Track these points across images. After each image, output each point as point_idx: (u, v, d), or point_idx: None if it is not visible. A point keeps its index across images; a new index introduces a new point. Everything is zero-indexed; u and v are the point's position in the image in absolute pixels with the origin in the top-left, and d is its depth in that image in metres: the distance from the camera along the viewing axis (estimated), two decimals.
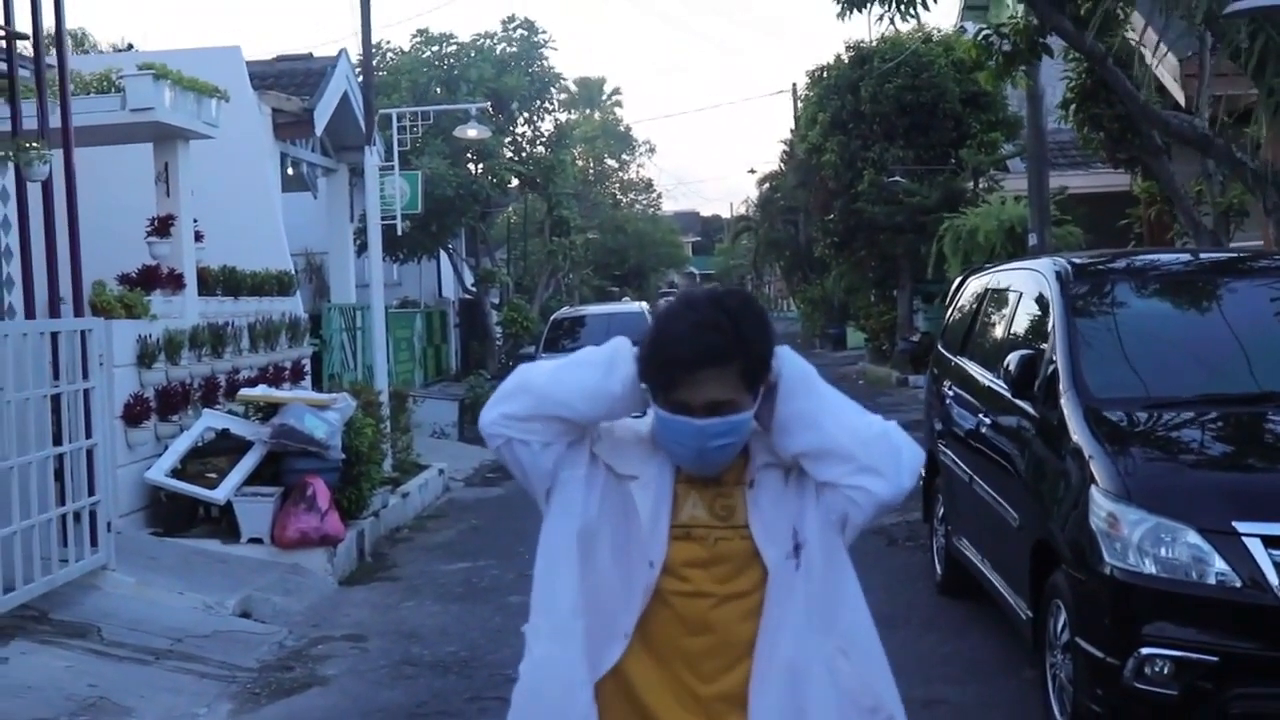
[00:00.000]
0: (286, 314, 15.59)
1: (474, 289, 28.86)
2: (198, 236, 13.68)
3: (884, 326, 34.06)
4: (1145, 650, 5.62)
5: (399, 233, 20.23)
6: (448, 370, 27.97)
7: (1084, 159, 22.28)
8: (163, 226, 12.92)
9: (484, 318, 28.99)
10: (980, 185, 28.34)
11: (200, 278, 13.66)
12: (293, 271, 17.19)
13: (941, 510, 9.75)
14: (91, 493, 9.59)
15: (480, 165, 26.57)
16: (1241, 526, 5.62)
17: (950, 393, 9.63)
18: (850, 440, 2.98)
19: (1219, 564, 5.59)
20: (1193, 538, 5.67)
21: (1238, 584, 5.55)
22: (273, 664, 8.76)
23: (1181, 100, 14.48)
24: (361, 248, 21.52)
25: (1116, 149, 15.57)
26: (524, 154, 29.22)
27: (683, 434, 2.94)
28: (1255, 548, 5.56)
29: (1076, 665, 6.04)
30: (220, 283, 14.29)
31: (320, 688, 8.20)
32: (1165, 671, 5.59)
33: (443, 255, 28.50)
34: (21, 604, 8.59)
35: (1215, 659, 5.52)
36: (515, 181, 27.79)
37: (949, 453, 9.35)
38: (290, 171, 19.50)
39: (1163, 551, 5.73)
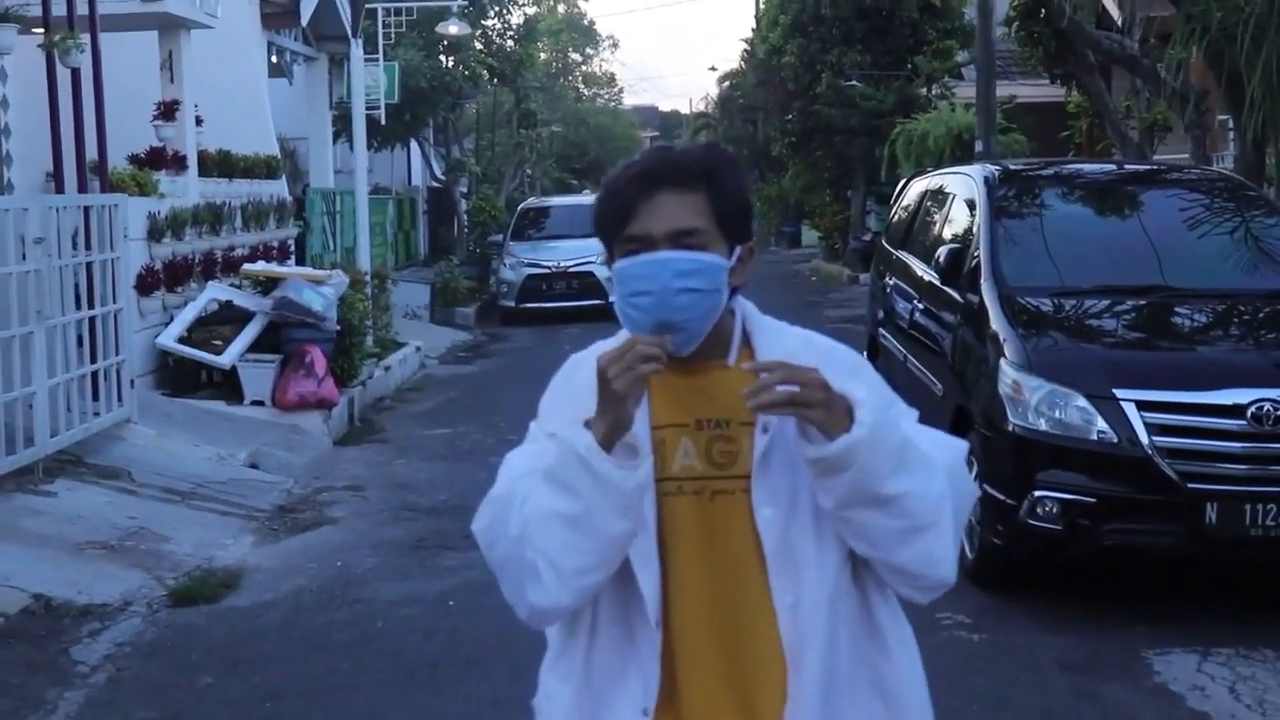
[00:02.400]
0: (274, 196, 16.55)
1: (443, 178, 29.72)
2: (198, 121, 14.56)
3: (838, 226, 35.10)
4: (1037, 493, 6.83)
5: (382, 122, 21.08)
6: (417, 256, 28.90)
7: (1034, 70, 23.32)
8: (168, 111, 13.79)
9: (453, 206, 29.89)
10: (933, 92, 29.34)
11: (199, 160, 14.57)
12: (279, 156, 18.13)
13: None
14: (116, 353, 10.64)
15: (452, 58, 27.37)
16: (1120, 393, 6.81)
17: (890, 283, 10.78)
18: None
19: (1100, 424, 6.79)
20: (1081, 402, 6.87)
21: (1115, 440, 6.75)
22: (285, 506, 9.89)
23: (1120, 21, 15.54)
24: (337, 135, 22.41)
25: (1053, 65, 16.60)
26: (493, 47, 29.99)
27: (640, 275, 2.40)
28: (1130, 411, 6.75)
29: (984, 508, 7.23)
30: (217, 165, 15.21)
31: (330, 526, 9.33)
32: (1053, 510, 6.80)
33: (413, 145, 29.29)
34: (60, 449, 9.64)
35: (1093, 500, 6.75)
36: (485, 74, 28.58)
37: (888, 336, 10.52)
38: (274, 60, 20.33)
39: (1056, 413, 6.92)
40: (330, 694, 6.07)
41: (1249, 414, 6.59)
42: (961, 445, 2.65)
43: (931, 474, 2.41)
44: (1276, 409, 6.57)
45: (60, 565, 7.89)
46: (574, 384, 2.55)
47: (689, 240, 2.41)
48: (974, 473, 7.46)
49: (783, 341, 2.54)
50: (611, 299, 2.71)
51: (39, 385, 9.22)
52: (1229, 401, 6.66)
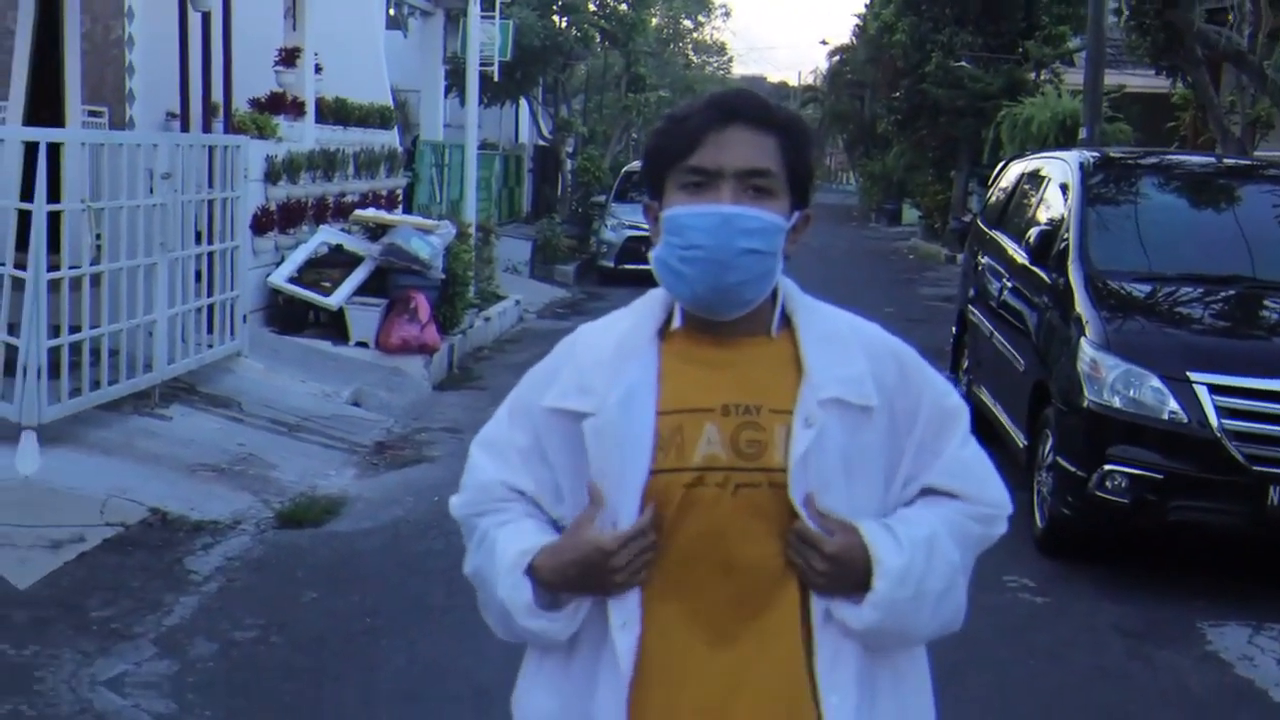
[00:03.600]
0: (385, 146, 17.00)
1: (550, 137, 30.13)
2: (317, 69, 15.01)
3: (938, 205, 35.14)
4: (1108, 467, 7.10)
5: (495, 79, 21.49)
6: (521, 212, 29.35)
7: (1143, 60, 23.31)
8: (289, 57, 14.23)
9: (558, 165, 30.31)
10: (1042, 76, 29.32)
11: (317, 106, 15.03)
12: (393, 106, 18.61)
13: (966, 363, 11.19)
14: (231, 288, 11.12)
15: (566, 19, 27.75)
16: (1194, 375, 7.08)
17: (983, 262, 11.02)
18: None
19: (1173, 404, 7.05)
20: (1155, 382, 7.13)
21: (1185, 420, 7.02)
22: (385, 443, 10.33)
23: (1230, 16, 15.59)
24: (449, 89, 22.84)
25: (1161, 56, 16.67)
26: (606, 10, 30.32)
27: (700, 227, 2.20)
28: (1203, 393, 7.02)
29: (1056, 479, 7.52)
30: (333, 112, 15.66)
31: (428, 464, 9.75)
32: (1121, 484, 7.07)
33: (523, 102, 29.71)
34: (175, 376, 10.13)
35: (1161, 476, 7.02)
36: (597, 36, 28.93)
37: (976, 313, 10.77)
38: (391, 12, 20.81)
39: (1131, 392, 7.19)
40: (426, 614, 6.48)
41: None
42: (1007, 503, 2.44)
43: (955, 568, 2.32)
44: None
45: (174, 484, 8.36)
46: (569, 354, 2.39)
47: (760, 182, 2.23)
48: (1049, 446, 7.74)
49: (828, 322, 2.34)
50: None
51: (160, 314, 9.69)
52: None
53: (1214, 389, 7.01)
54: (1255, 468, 6.86)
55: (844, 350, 2.29)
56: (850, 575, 2.21)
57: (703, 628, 2.24)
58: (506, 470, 2.37)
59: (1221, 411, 6.95)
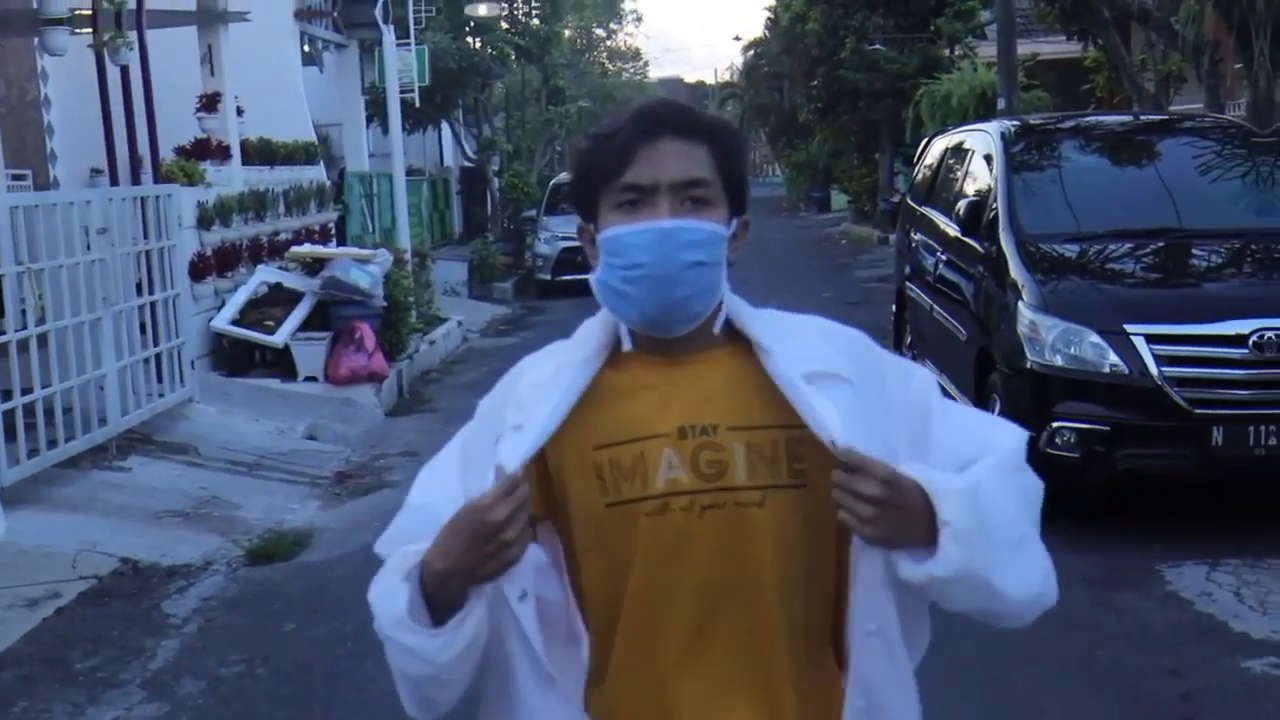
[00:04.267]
0: (313, 181, 17.05)
1: (475, 157, 30.21)
2: (239, 111, 15.06)
3: (866, 188, 35.46)
4: (1056, 424, 7.30)
5: (416, 105, 21.57)
6: (452, 234, 29.41)
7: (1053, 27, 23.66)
8: (210, 103, 14.27)
9: (485, 184, 30.39)
10: (956, 52, 29.67)
11: (242, 149, 15.07)
12: (316, 142, 18.65)
13: (909, 339, 11.39)
14: (176, 336, 11.16)
15: (480, 39, 27.86)
16: (1131, 328, 7.28)
17: (916, 238, 11.21)
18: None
19: (1113, 357, 7.25)
20: (1094, 338, 7.33)
21: (1126, 371, 7.21)
22: (345, 473, 10.40)
23: None
24: (369, 119, 22.89)
25: (1069, 21, 16.97)
26: (519, 26, 30.44)
27: (640, 245, 2.10)
28: (1140, 344, 7.22)
29: None
30: (258, 153, 15.71)
31: (390, 489, 9.81)
32: (1071, 439, 7.26)
33: (444, 126, 29.78)
34: (130, 428, 10.17)
35: (1108, 428, 7.22)
36: (512, 54, 29.04)
37: (914, 289, 10.96)
38: (306, 49, 20.85)
39: (1071, 349, 7.38)
40: None
41: (1251, 342, 7.06)
42: (1021, 435, 2.24)
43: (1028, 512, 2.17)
44: (1277, 337, 7.02)
45: (141, 532, 8.41)
46: (514, 390, 2.23)
47: (697, 192, 2.13)
48: (997, 410, 7.92)
49: (780, 325, 2.23)
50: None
51: (109, 368, 9.75)
52: (1232, 331, 7.13)
53: (1151, 339, 7.21)
54: (1197, 411, 7.06)
55: (800, 337, 2.20)
56: (909, 513, 1.99)
57: (672, 649, 2.12)
58: (442, 496, 2.19)
59: (1160, 360, 7.15)
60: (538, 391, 2.17)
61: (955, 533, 1.99)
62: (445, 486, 2.23)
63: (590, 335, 2.24)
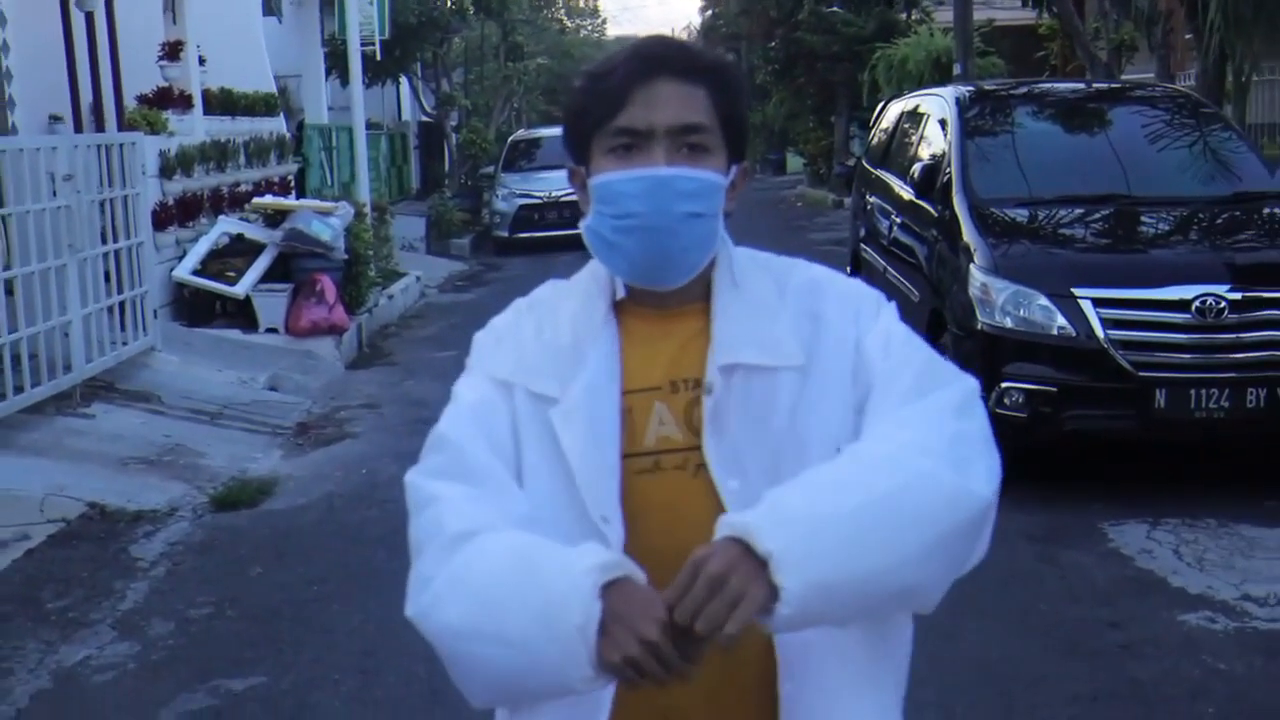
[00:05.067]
0: (274, 133, 17.11)
1: (434, 112, 30.19)
2: (201, 61, 15.08)
3: (822, 151, 35.59)
4: (1005, 384, 7.52)
5: (378, 58, 21.57)
6: (409, 190, 29.43)
7: None
8: (173, 51, 14.29)
9: (443, 140, 30.40)
10: (913, 17, 29.85)
11: (203, 98, 15.10)
12: (276, 93, 18.68)
13: None
14: (139, 285, 11.24)
15: None
16: (1079, 291, 7.50)
17: (871, 201, 11.41)
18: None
19: (1060, 320, 7.47)
20: (1043, 300, 7.55)
21: (1073, 334, 7.44)
22: (306, 424, 10.54)
23: None
24: (328, 72, 22.89)
25: None
26: None
27: (634, 193, 2.00)
28: (1088, 307, 7.44)
29: None
30: (220, 103, 15.74)
31: (351, 440, 9.98)
32: (1019, 400, 7.49)
33: (403, 80, 29.75)
34: (91, 376, 10.26)
35: (1055, 389, 7.45)
36: (471, 9, 29.00)
37: (869, 251, 11.16)
38: None
39: (1020, 312, 7.60)
40: (370, 577, 6.73)
41: (1194, 307, 7.28)
42: (969, 385, 2.09)
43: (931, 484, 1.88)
44: (1219, 302, 7.27)
45: (107, 478, 8.53)
46: (520, 333, 2.14)
47: (695, 138, 2.02)
48: None
49: (749, 281, 2.12)
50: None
51: (74, 314, 9.83)
52: (1176, 296, 7.35)
53: (1098, 302, 7.43)
54: (1141, 374, 7.29)
55: (761, 309, 2.08)
56: (740, 579, 1.76)
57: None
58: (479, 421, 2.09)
59: (1106, 323, 7.38)
60: (565, 357, 2.06)
61: (780, 560, 1.76)
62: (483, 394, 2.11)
63: (596, 284, 2.14)
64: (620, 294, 2.14)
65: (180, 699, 5.42)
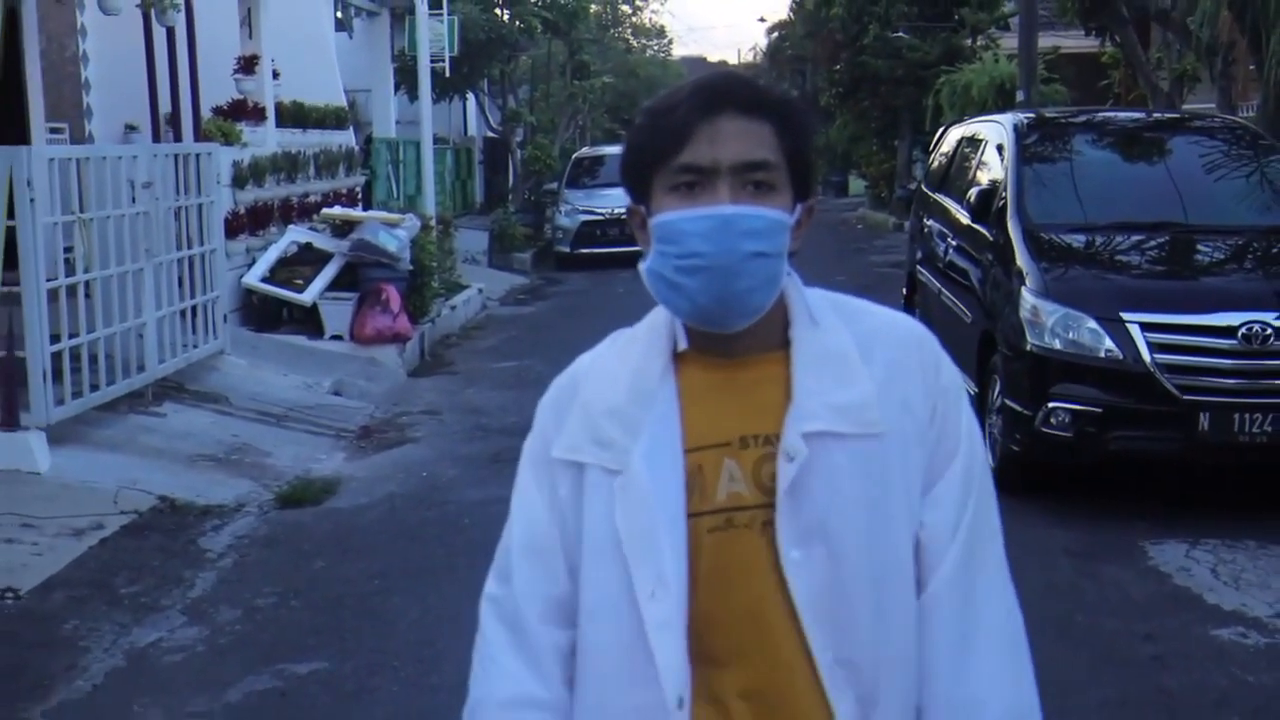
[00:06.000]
0: (343, 146, 17.47)
1: (499, 128, 30.56)
2: (275, 75, 15.45)
3: (884, 175, 35.73)
4: (1051, 404, 7.69)
5: (447, 74, 21.92)
6: (473, 204, 29.79)
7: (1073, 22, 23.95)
8: (248, 65, 14.65)
9: (508, 155, 30.75)
10: (978, 43, 29.96)
11: (276, 111, 15.46)
12: (346, 107, 19.05)
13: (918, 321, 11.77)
14: (211, 289, 11.57)
15: (508, 11, 28.20)
16: (1127, 315, 7.67)
17: (929, 224, 11.58)
18: None
19: (1108, 343, 7.64)
20: (1091, 324, 7.72)
21: (1120, 357, 7.61)
22: (369, 428, 10.83)
23: None
24: (397, 86, 23.27)
25: (1089, 17, 17.31)
26: (547, 1, 30.76)
27: (698, 232, 1.95)
28: (1135, 331, 7.61)
29: (1004, 419, 8.11)
30: (291, 116, 16.10)
31: (412, 444, 10.25)
32: (1065, 420, 7.66)
33: (470, 96, 30.13)
34: (163, 376, 10.58)
35: (1100, 410, 7.61)
36: (540, 27, 29.34)
37: (925, 272, 11.33)
38: (338, 14, 21.21)
39: (1069, 334, 7.78)
40: (429, 574, 6.98)
41: (1240, 334, 7.44)
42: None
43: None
44: (1264, 329, 7.42)
45: (177, 474, 8.83)
46: (581, 396, 2.11)
47: (760, 175, 1.97)
48: (997, 390, 8.33)
49: (829, 335, 2.06)
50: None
51: (149, 317, 10.15)
52: (1222, 323, 7.52)
53: (1145, 326, 7.60)
54: (1186, 397, 7.45)
55: (843, 368, 2.03)
56: None
57: (735, 679, 2.01)
58: (543, 573, 2.13)
59: (1153, 347, 7.54)
60: (621, 419, 2.03)
61: None
62: (536, 514, 2.14)
63: (656, 334, 2.10)
64: (683, 345, 2.08)
65: (247, 680, 5.69)
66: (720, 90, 2.01)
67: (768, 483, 1.98)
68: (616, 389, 2.06)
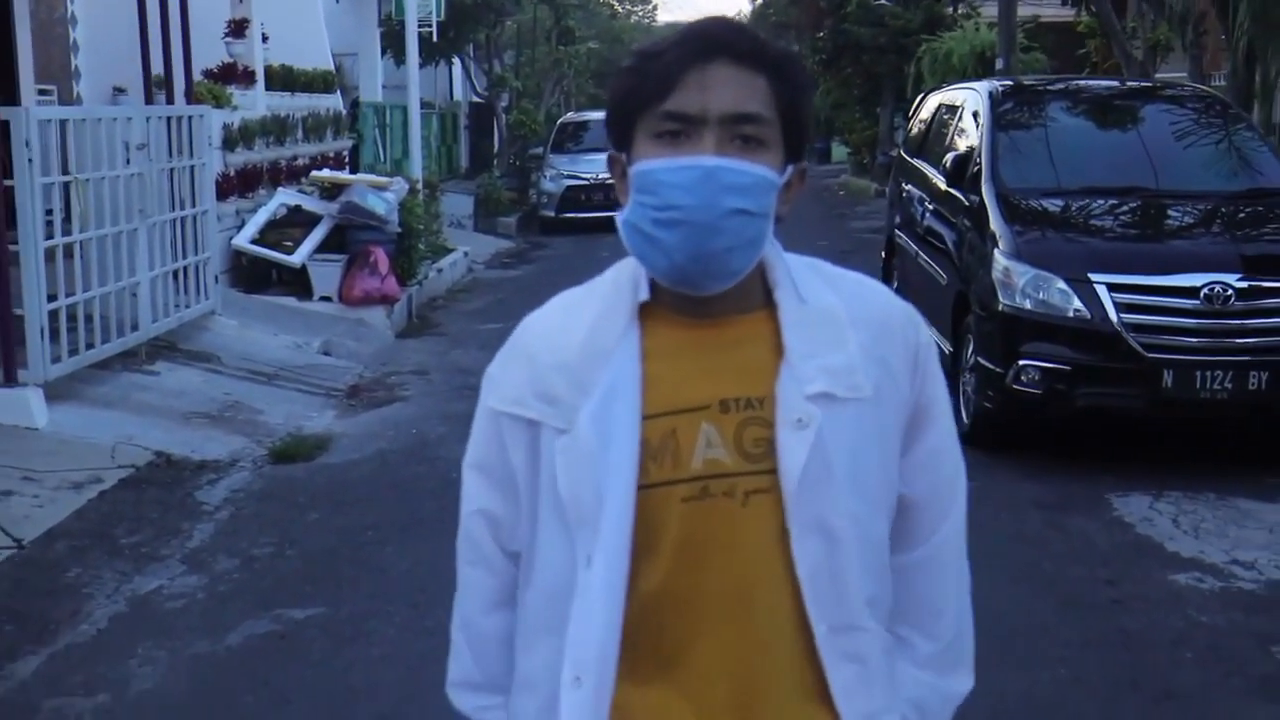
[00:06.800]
0: (330, 109, 17.63)
1: (485, 93, 30.69)
2: (264, 38, 15.58)
3: (866, 141, 35.92)
4: (1022, 362, 7.97)
5: (434, 39, 22.06)
6: (458, 168, 29.95)
7: None
8: (238, 28, 14.76)
9: (493, 120, 30.90)
10: (959, 11, 30.17)
11: (265, 74, 15.60)
12: (334, 71, 19.20)
13: (895, 284, 12.01)
14: (202, 250, 11.77)
15: None
16: (1094, 277, 7.94)
17: (907, 189, 11.83)
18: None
19: (1077, 303, 7.91)
20: (1061, 284, 7.99)
21: (1088, 316, 7.88)
22: (359, 386, 11.04)
23: None
24: (383, 51, 23.40)
25: None
26: None
27: (677, 184, 1.84)
28: (1102, 292, 7.88)
29: (977, 377, 8.39)
30: (280, 80, 16.23)
31: (402, 403, 10.47)
32: (1034, 377, 7.94)
33: (455, 61, 30.25)
34: (155, 335, 10.78)
35: (1069, 368, 7.90)
36: None
37: (903, 236, 11.58)
38: None
39: (1039, 295, 8.04)
40: (420, 525, 7.22)
41: (1202, 294, 7.73)
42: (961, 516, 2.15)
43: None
44: (1225, 290, 7.70)
45: (172, 430, 9.05)
46: (523, 350, 2.03)
47: (749, 129, 1.86)
48: (970, 349, 8.59)
49: (816, 296, 1.98)
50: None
51: (142, 276, 10.36)
52: (1185, 284, 7.80)
53: (1112, 287, 7.88)
54: (1150, 355, 7.73)
55: (834, 330, 1.95)
56: None
57: (704, 659, 1.93)
58: (486, 492, 2.13)
59: (1120, 307, 7.82)
60: (570, 375, 1.93)
61: None
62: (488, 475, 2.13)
63: (620, 289, 1.99)
64: (644, 295, 1.96)
65: (246, 624, 5.92)
66: (715, 36, 1.89)
67: (752, 449, 1.89)
68: (568, 344, 1.95)
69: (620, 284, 1.99)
